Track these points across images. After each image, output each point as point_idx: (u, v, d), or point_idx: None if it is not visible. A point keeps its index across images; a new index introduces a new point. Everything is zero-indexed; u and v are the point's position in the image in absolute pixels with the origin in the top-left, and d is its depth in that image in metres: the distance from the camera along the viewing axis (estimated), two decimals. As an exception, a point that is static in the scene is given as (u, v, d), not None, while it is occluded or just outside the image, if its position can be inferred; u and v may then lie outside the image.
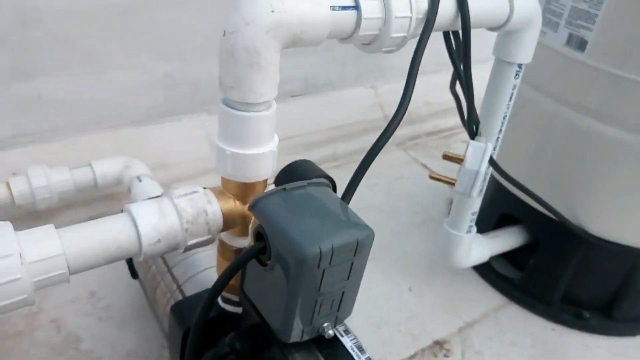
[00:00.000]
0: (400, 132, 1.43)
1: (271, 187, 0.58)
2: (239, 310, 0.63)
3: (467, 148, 0.72)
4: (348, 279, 0.47)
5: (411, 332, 0.91)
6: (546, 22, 0.81)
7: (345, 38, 0.51)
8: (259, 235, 0.47)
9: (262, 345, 0.52)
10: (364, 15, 0.49)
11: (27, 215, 0.94)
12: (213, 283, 0.67)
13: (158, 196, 0.54)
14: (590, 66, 0.77)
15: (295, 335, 0.48)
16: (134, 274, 0.84)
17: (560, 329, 0.96)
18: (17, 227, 0.45)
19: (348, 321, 0.51)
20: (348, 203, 0.50)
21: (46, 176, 0.90)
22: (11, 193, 0.88)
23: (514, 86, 0.74)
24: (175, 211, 0.51)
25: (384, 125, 1.27)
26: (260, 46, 0.44)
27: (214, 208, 0.53)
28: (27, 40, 0.90)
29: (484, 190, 0.81)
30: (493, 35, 0.72)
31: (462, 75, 0.68)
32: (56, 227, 0.46)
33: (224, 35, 0.45)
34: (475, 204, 0.83)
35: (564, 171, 0.88)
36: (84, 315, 0.86)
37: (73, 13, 0.91)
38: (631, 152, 0.79)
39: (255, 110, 0.48)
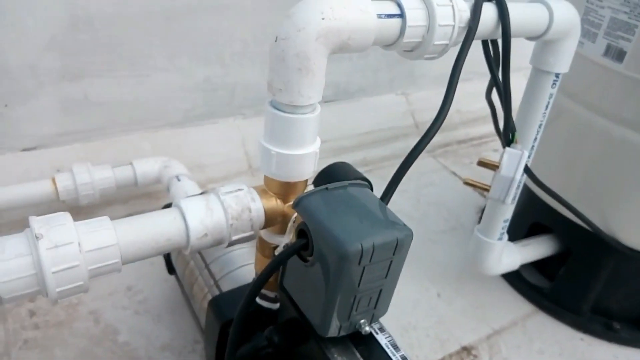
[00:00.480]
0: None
1: (310, 187, 0.60)
2: (273, 306, 0.65)
3: (502, 155, 0.72)
4: (386, 277, 0.49)
5: (439, 337, 0.92)
6: (584, 33, 0.81)
7: (389, 45, 0.53)
8: (302, 232, 0.49)
9: (299, 339, 0.54)
10: (409, 23, 0.51)
11: (69, 210, 0.97)
12: (249, 280, 0.70)
13: (203, 192, 0.56)
14: (628, 77, 0.77)
15: (333, 331, 0.50)
16: (170, 269, 0.87)
17: (589, 339, 0.95)
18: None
19: (375, 323, 0.52)
20: (387, 204, 0.52)
21: (90, 173, 0.94)
22: (56, 188, 0.93)
23: (551, 95, 0.75)
24: (222, 207, 0.53)
25: (415, 132, 1.30)
26: (310, 52, 0.46)
27: (257, 205, 0.55)
28: (77, 43, 0.94)
29: (516, 198, 0.82)
30: (525, 45, 0.73)
31: (500, 84, 0.69)
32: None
33: (275, 41, 0.47)
34: (507, 211, 0.83)
35: (597, 181, 0.88)
36: (121, 308, 0.89)
37: (121, 18, 0.95)
38: (667, 163, 0.79)
39: (301, 113, 0.50)
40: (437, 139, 1.48)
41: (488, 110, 0.90)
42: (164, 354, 0.83)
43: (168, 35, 1.01)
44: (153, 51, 1.01)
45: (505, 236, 0.89)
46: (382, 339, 0.52)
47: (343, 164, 0.64)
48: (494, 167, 0.73)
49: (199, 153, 1.16)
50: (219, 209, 0.53)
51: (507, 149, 0.72)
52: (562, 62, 0.72)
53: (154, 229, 0.50)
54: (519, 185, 0.78)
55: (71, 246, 0.45)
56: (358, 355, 0.51)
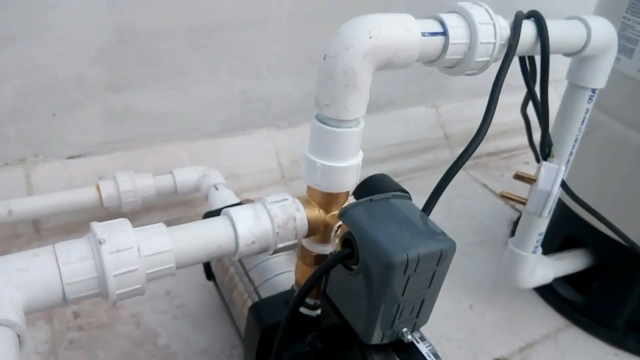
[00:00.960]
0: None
1: (350, 198, 0.62)
2: (311, 313, 0.67)
3: (539, 169, 0.73)
4: (429, 287, 0.50)
5: (472, 349, 0.92)
6: (620, 48, 0.82)
7: (431, 61, 0.55)
8: (347, 242, 0.51)
9: (342, 346, 0.56)
10: (451, 40, 0.53)
11: (112, 217, 1.01)
12: (287, 287, 0.72)
13: (241, 202, 0.59)
14: (664, 92, 0.78)
15: (376, 338, 0.51)
16: (209, 275, 0.90)
17: (623, 355, 0.94)
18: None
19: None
20: (429, 215, 0.53)
21: (132, 181, 0.97)
22: (100, 195, 0.96)
23: (587, 110, 0.75)
24: (268, 216, 0.55)
25: (444, 144, 1.31)
26: (357, 69, 0.48)
27: (302, 215, 0.57)
28: (122, 56, 0.98)
29: (551, 212, 0.82)
30: (555, 59, 0.73)
31: (536, 99, 0.70)
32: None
33: (324, 58, 0.49)
34: (542, 224, 0.84)
35: (632, 194, 0.88)
36: (160, 312, 0.92)
37: (165, 32, 0.99)
38: None
39: (346, 127, 0.53)
40: (468, 151, 1.50)
41: (519, 124, 0.91)
42: (202, 358, 0.85)
43: (208, 49, 1.05)
44: (194, 64, 1.05)
45: (539, 249, 0.89)
46: (423, 347, 0.54)
47: (382, 175, 0.66)
48: (530, 180, 0.74)
49: (234, 163, 1.19)
50: (266, 218, 0.55)
51: (544, 163, 0.73)
52: (599, 77, 0.72)
53: (205, 235, 0.53)
54: (555, 199, 0.78)
55: (131, 251, 0.47)
56: (400, 362, 0.52)
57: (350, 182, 0.57)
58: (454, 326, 0.96)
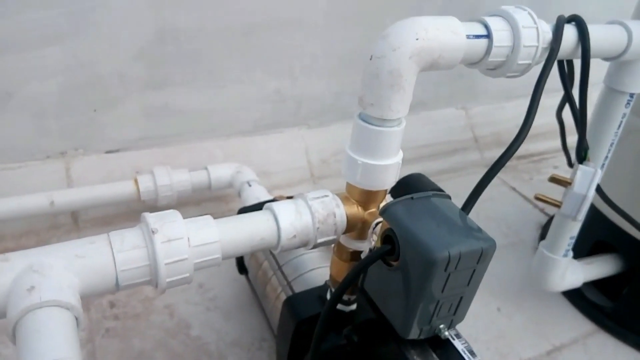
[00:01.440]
0: (490, 154, 1.46)
1: (388, 197, 0.63)
2: (345, 308, 0.68)
3: (575, 172, 0.74)
4: (468, 285, 0.51)
5: (499, 351, 0.92)
6: (659, 53, 0.82)
7: (474, 63, 0.56)
8: (387, 238, 0.52)
9: (378, 340, 0.57)
10: (495, 43, 0.54)
11: (147, 210, 1.04)
12: (320, 282, 0.74)
13: (271, 199, 0.60)
14: (703, 97, 0.77)
15: (414, 333, 0.52)
16: (241, 269, 0.92)
17: (654, 362, 0.94)
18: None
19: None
20: (468, 214, 0.54)
21: (169, 176, 1.00)
22: (138, 189, 0.99)
23: (624, 115, 0.75)
24: (309, 211, 0.57)
25: (474, 146, 1.31)
26: (403, 69, 0.50)
27: (341, 211, 0.59)
28: (163, 54, 1.01)
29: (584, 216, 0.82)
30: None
31: (574, 102, 0.70)
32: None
33: (370, 59, 0.51)
34: (575, 228, 0.84)
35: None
36: (193, 304, 0.95)
37: (204, 32, 1.02)
38: None
39: (389, 126, 0.54)
40: (496, 153, 1.48)
41: (548, 127, 0.91)
42: (233, 349, 0.87)
43: (245, 49, 1.07)
44: (231, 64, 1.08)
45: (571, 253, 0.89)
46: (458, 344, 0.55)
47: (419, 175, 0.67)
48: (565, 183, 0.74)
49: (265, 160, 1.21)
50: (307, 213, 0.57)
51: (581, 166, 0.73)
52: (638, 82, 0.72)
53: (250, 228, 0.54)
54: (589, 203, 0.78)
55: (182, 241, 0.49)
56: (437, 358, 0.53)
57: (390, 181, 0.58)
58: (481, 327, 0.96)
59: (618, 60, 0.69)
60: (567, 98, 0.71)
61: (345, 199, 0.60)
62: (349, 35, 1.16)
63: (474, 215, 1.30)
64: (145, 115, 1.07)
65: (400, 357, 0.53)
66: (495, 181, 1.46)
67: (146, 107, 1.06)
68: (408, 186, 0.64)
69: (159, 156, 1.11)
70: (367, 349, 0.58)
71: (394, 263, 0.51)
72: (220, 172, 1.04)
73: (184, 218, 0.53)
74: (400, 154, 0.58)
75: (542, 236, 1.19)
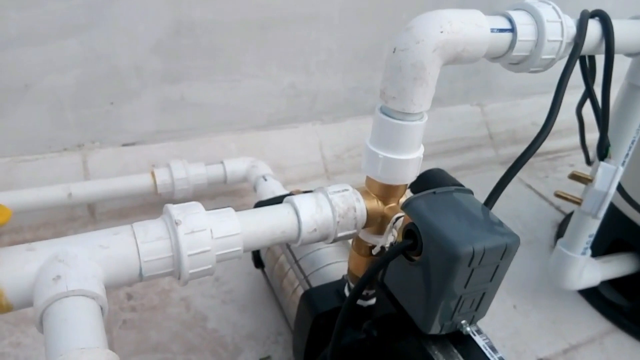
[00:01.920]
0: (504, 151, 1.45)
1: (407, 191, 0.63)
2: (363, 302, 0.68)
3: (596, 169, 0.73)
4: (491, 281, 0.51)
5: (515, 349, 0.92)
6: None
7: (498, 57, 0.55)
8: (409, 233, 0.52)
9: (398, 334, 0.57)
10: (519, 37, 0.53)
11: (163, 203, 1.05)
12: (337, 277, 0.74)
13: (287, 193, 0.60)
14: None
15: (435, 329, 0.52)
16: (258, 263, 0.92)
17: (672, 362, 0.93)
18: (157, 213, 0.52)
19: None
20: (490, 209, 0.54)
21: (185, 169, 1.00)
22: (155, 182, 0.99)
23: (646, 111, 0.74)
24: (330, 205, 0.57)
25: (489, 143, 1.30)
26: (427, 62, 0.49)
27: (361, 205, 0.58)
28: (180, 47, 1.01)
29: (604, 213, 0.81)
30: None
31: (595, 98, 0.69)
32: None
33: (393, 52, 0.50)
34: (594, 226, 0.83)
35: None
36: (209, 296, 0.95)
37: (220, 25, 1.01)
38: None
39: (411, 120, 0.53)
40: (512, 150, 1.49)
41: (565, 124, 0.90)
42: (248, 342, 0.87)
43: (261, 43, 1.07)
44: (247, 58, 1.08)
45: (589, 251, 0.88)
46: (479, 340, 0.54)
47: (439, 170, 0.67)
48: (586, 180, 0.73)
49: (279, 155, 1.21)
50: (327, 207, 0.57)
51: (602, 163, 0.72)
52: (661, 78, 0.71)
53: (271, 221, 0.54)
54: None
55: (205, 232, 0.50)
56: (458, 353, 0.53)
57: (411, 175, 0.58)
58: (497, 325, 0.96)
59: (642, 56, 0.68)
60: (589, 94, 0.71)
61: (365, 193, 0.60)
62: (365, 31, 1.16)
63: (489, 212, 1.27)
64: (162, 109, 1.08)
65: (421, 352, 0.53)
66: (510, 178, 1.41)
67: (162, 101, 1.07)
68: (428, 181, 0.63)
69: (175, 149, 1.11)
70: (387, 343, 0.58)
71: (416, 258, 0.51)
72: (236, 166, 1.04)
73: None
74: (422, 149, 0.58)
75: (559, 234, 1.19)
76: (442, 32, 0.49)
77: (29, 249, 0.46)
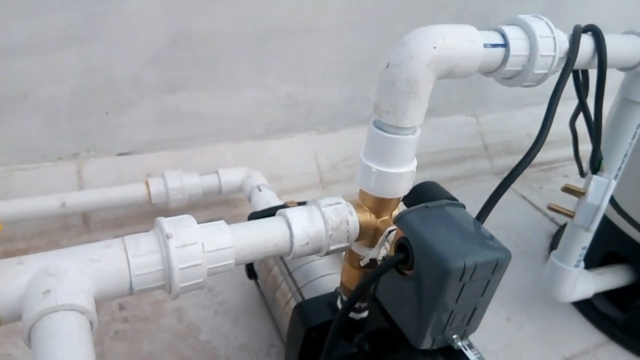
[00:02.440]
0: (499, 162, 1.45)
1: (400, 204, 0.63)
2: (355, 315, 0.68)
3: (589, 182, 0.73)
4: (482, 295, 0.51)
5: (509, 361, 0.92)
6: (675, 64, 0.81)
7: (490, 72, 0.56)
8: (401, 247, 0.52)
9: (390, 348, 0.57)
10: (512, 52, 0.53)
11: (157, 213, 1.05)
12: (330, 289, 0.74)
13: (281, 205, 0.60)
14: None
15: (427, 343, 0.52)
16: (251, 274, 0.92)
17: (666, 375, 0.93)
18: (152, 223, 0.52)
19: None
20: (482, 224, 0.54)
21: (180, 179, 1.00)
22: (149, 192, 0.99)
23: (639, 125, 0.75)
24: (322, 218, 0.57)
25: (484, 153, 1.30)
26: (420, 77, 0.49)
27: (354, 219, 0.58)
28: (176, 58, 1.01)
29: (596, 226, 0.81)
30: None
31: (589, 112, 0.70)
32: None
33: (387, 67, 0.51)
34: (587, 238, 0.83)
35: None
36: (202, 307, 0.95)
37: (218, 37, 1.02)
38: None
39: (404, 134, 0.53)
40: (506, 161, 1.50)
41: (558, 136, 0.90)
42: (241, 354, 0.87)
43: (258, 54, 1.07)
44: (244, 69, 1.08)
45: (582, 264, 0.88)
46: (471, 355, 0.54)
47: (433, 183, 0.67)
48: (579, 193, 0.74)
49: (275, 165, 1.21)
50: (320, 220, 0.57)
51: (595, 176, 0.72)
52: (654, 93, 0.72)
53: (263, 234, 0.54)
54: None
55: (196, 246, 0.49)
56: (449, 368, 0.53)
57: (404, 189, 0.58)
58: (491, 337, 0.95)
59: (634, 71, 0.68)
60: (582, 108, 0.71)
61: (358, 206, 0.60)
62: (362, 42, 1.16)
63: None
64: (158, 119, 1.08)
65: (412, 366, 0.53)
66: (505, 189, 1.41)
67: (158, 111, 1.07)
68: (421, 194, 0.63)
69: (170, 159, 1.11)
70: (379, 357, 0.57)
71: (408, 272, 0.51)
72: (231, 176, 1.04)
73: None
74: (415, 162, 0.58)
75: (553, 245, 1.19)
76: (435, 47, 0.49)
77: (19, 262, 0.46)
